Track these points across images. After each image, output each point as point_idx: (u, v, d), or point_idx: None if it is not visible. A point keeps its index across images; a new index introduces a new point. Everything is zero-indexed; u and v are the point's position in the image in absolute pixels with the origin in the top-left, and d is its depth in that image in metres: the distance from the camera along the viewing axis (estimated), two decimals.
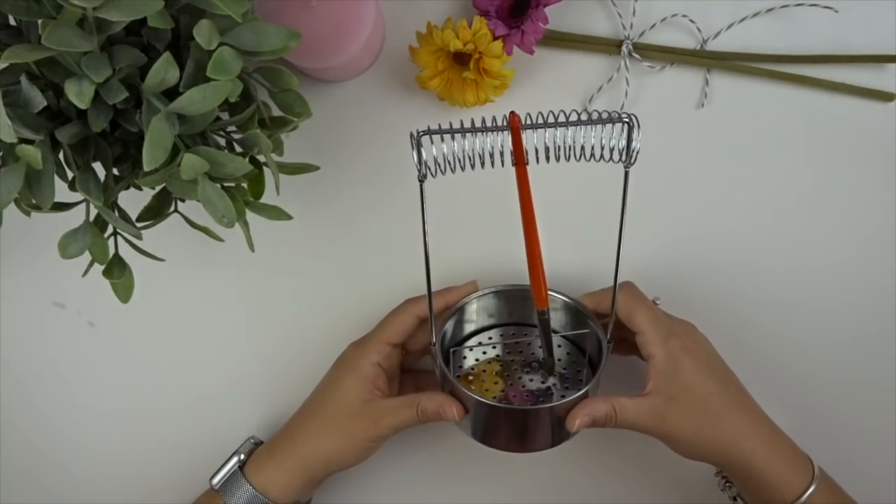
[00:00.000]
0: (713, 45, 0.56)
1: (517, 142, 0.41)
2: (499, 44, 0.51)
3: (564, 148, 0.42)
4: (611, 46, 0.56)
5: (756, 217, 0.56)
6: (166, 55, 0.37)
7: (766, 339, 0.56)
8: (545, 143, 0.42)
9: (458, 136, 0.41)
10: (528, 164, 0.42)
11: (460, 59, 0.53)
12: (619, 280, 0.51)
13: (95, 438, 0.59)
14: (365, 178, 0.58)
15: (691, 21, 0.56)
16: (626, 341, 0.50)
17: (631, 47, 0.55)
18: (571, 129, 0.42)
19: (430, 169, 0.42)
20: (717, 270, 0.56)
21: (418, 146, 0.41)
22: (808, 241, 0.56)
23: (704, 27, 0.56)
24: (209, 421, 0.58)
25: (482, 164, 0.42)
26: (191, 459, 0.57)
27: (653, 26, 0.56)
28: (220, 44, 0.38)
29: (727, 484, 0.51)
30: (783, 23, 0.56)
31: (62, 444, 0.59)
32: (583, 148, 0.42)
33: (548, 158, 0.42)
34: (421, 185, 0.42)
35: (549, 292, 0.50)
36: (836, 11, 0.54)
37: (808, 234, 0.56)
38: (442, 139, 0.42)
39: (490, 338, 0.54)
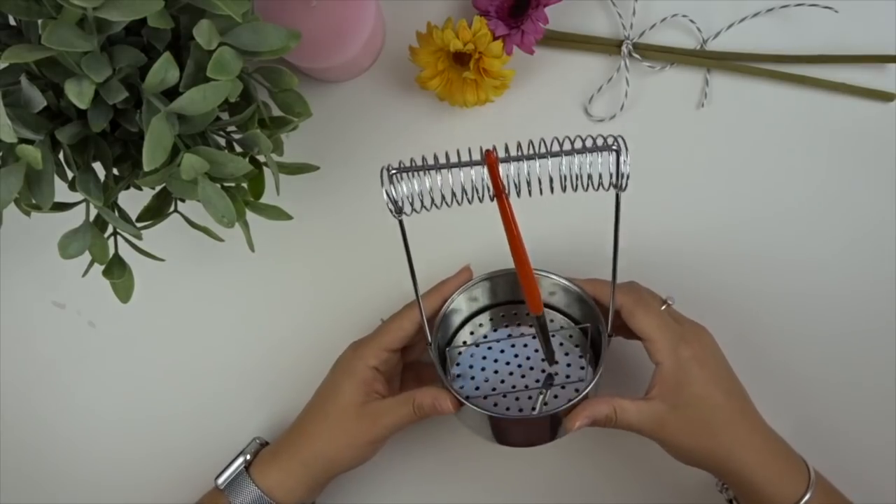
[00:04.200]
0: (713, 45, 0.56)
1: (495, 177, 0.38)
2: (499, 44, 0.51)
3: (548, 180, 0.39)
4: (611, 46, 0.56)
5: (756, 217, 0.56)
6: (166, 55, 0.37)
7: (766, 338, 0.56)
8: (527, 177, 0.38)
9: (432, 172, 0.39)
10: (508, 195, 0.39)
11: (460, 59, 0.53)
12: (622, 280, 0.52)
13: (96, 438, 0.59)
14: (365, 178, 0.58)
15: (691, 21, 0.56)
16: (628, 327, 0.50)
17: (631, 47, 0.55)
18: (554, 159, 0.38)
19: (403, 208, 0.39)
20: (716, 269, 0.56)
21: (389, 183, 0.39)
22: (808, 240, 0.56)
23: (704, 27, 0.56)
24: (211, 421, 0.58)
25: (459, 201, 0.39)
26: (192, 459, 0.57)
27: (653, 26, 0.56)
28: (220, 44, 0.38)
29: (725, 486, 0.51)
30: (783, 23, 0.56)
31: (62, 444, 0.59)
32: (565, 178, 0.39)
33: (530, 192, 0.39)
34: (400, 223, 0.40)
35: (550, 276, 0.49)
36: (836, 11, 0.54)
37: (808, 233, 0.56)
38: (413, 175, 0.39)
39: (491, 319, 0.53)
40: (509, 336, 0.53)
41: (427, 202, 0.39)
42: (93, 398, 0.59)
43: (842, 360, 0.56)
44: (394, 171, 0.39)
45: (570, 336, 0.52)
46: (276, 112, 0.48)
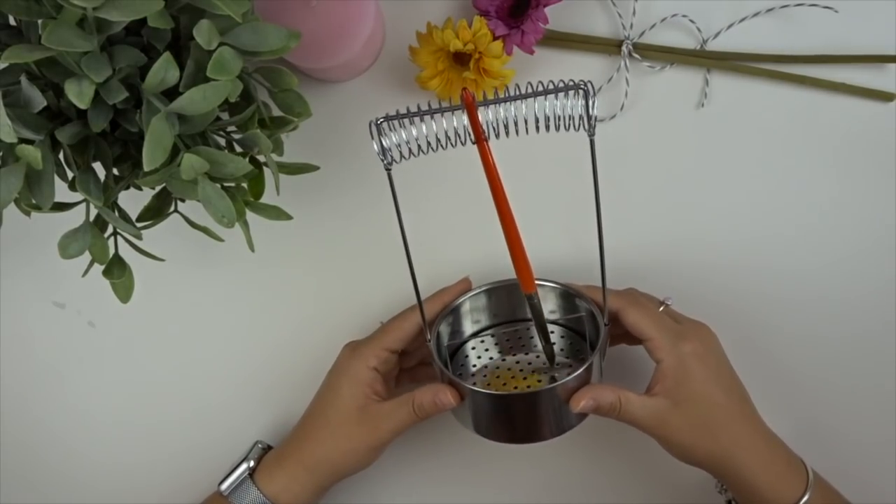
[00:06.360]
0: (713, 45, 0.56)
1: (473, 117, 0.41)
2: (499, 44, 0.51)
3: (522, 121, 0.42)
4: (611, 46, 0.56)
5: (756, 217, 0.56)
6: (166, 55, 0.37)
7: (765, 338, 0.56)
8: (503, 118, 0.42)
9: (417, 119, 0.42)
10: (487, 139, 0.41)
11: (460, 59, 0.53)
12: (622, 287, 0.52)
13: (95, 439, 0.59)
14: (365, 178, 0.58)
15: (691, 21, 0.56)
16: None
17: (631, 47, 0.55)
18: (528, 101, 0.41)
19: (393, 156, 0.42)
20: (716, 270, 0.56)
21: (379, 134, 0.42)
22: (807, 241, 0.56)
23: (704, 27, 0.56)
24: (211, 422, 0.58)
25: (443, 146, 0.42)
26: (192, 461, 0.57)
27: (653, 26, 0.56)
28: (220, 44, 0.38)
29: (724, 488, 0.51)
30: (783, 23, 0.56)
31: (61, 445, 0.59)
32: (537, 120, 0.42)
33: (507, 133, 0.42)
34: (389, 173, 0.43)
35: (540, 281, 0.50)
36: (836, 11, 0.54)
37: (808, 234, 0.56)
38: (401, 124, 0.42)
39: (493, 335, 0.54)
40: (507, 341, 0.53)
41: (414, 149, 0.43)
42: (92, 398, 0.59)
43: (842, 361, 0.56)
44: (381, 121, 0.42)
45: (571, 343, 0.52)
46: (276, 112, 0.48)
